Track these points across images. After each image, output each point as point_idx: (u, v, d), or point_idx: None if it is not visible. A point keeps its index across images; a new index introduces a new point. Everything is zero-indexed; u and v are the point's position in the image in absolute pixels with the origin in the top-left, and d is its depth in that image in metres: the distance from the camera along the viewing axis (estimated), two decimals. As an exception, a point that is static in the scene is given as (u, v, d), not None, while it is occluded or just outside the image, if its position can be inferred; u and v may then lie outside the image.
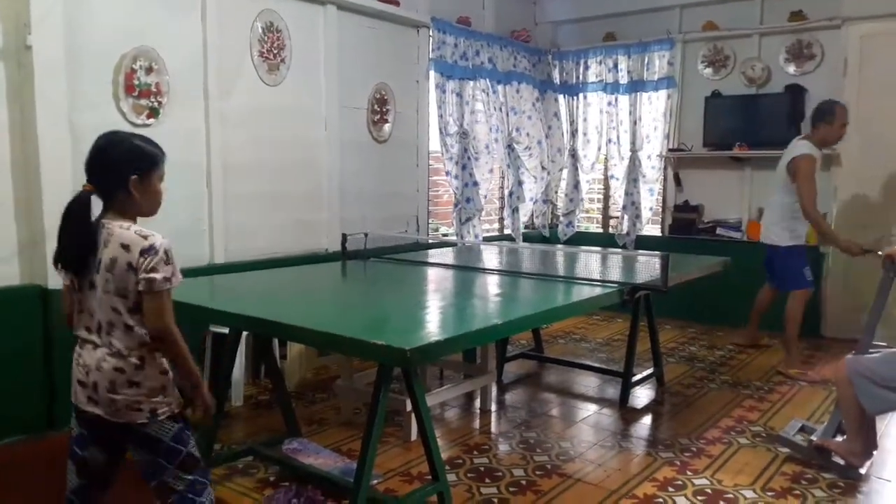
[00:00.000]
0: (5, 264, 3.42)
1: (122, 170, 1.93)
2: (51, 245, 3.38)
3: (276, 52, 4.56)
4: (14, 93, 3.39)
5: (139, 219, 2.03)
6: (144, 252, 1.88)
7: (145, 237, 1.91)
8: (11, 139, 3.40)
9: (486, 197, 6.36)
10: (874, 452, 3.27)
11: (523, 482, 3.11)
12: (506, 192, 6.48)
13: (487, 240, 6.31)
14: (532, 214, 7.11)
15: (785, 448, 3.41)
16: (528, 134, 6.72)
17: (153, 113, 3.90)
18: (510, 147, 6.44)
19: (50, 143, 3.43)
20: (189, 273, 3.89)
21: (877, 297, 3.41)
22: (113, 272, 1.90)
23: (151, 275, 1.88)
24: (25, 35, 3.34)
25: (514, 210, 6.55)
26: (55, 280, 3.46)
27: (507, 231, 6.76)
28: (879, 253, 3.31)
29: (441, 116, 5.76)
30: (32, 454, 3.33)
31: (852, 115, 5.54)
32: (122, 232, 1.92)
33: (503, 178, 6.45)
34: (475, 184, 6.07)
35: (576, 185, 7.09)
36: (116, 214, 1.96)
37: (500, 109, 6.36)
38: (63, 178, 3.48)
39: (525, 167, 6.68)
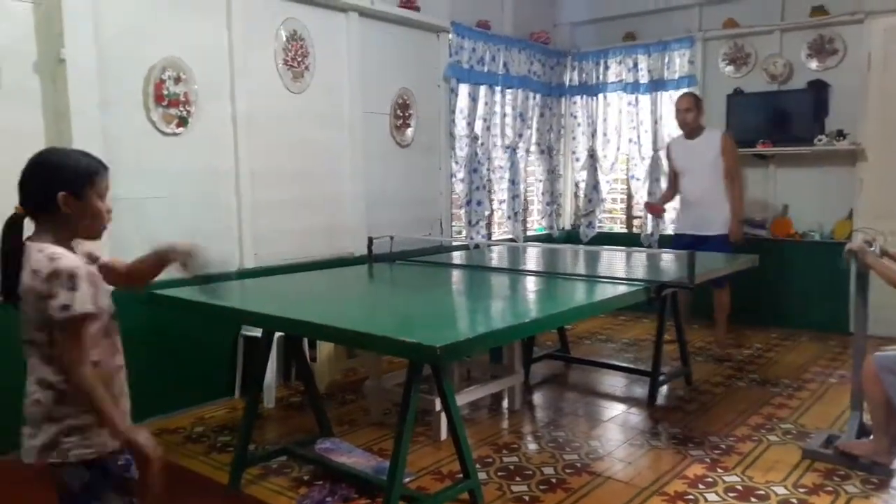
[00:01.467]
0: (43, 272, 3.49)
1: (50, 185, 1.71)
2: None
3: (300, 59, 4.63)
4: (49, 105, 3.48)
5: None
6: (49, 278, 1.63)
7: (52, 259, 1.65)
8: (47, 150, 3.49)
9: (501, 201, 6.40)
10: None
11: (553, 480, 3.13)
12: (509, 195, 6.47)
13: (500, 242, 6.32)
14: (549, 216, 7.12)
15: (812, 459, 3.35)
16: (533, 138, 6.75)
17: (182, 122, 3.99)
18: (512, 151, 6.45)
19: (84, 154, 3.51)
20: (219, 278, 3.99)
21: (856, 291, 3.40)
22: (27, 300, 1.68)
23: (50, 302, 1.62)
24: (59, 49, 3.43)
25: (516, 213, 6.54)
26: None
27: (531, 231, 6.79)
28: (845, 248, 3.27)
29: (452, 120, 5.82)
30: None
31: (876, 108, 5.54)
32: (35, 255, 1.67)
33: (512, 181, 6.45)
34: (484, 187, 6.12)
35: (595, 186, 7.09)
36: (46, 236, 1.73)
37: (509, 113, 6.39)
38: (97, 187, 3.57)
39: (529, 171, 6.70)
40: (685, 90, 6.36)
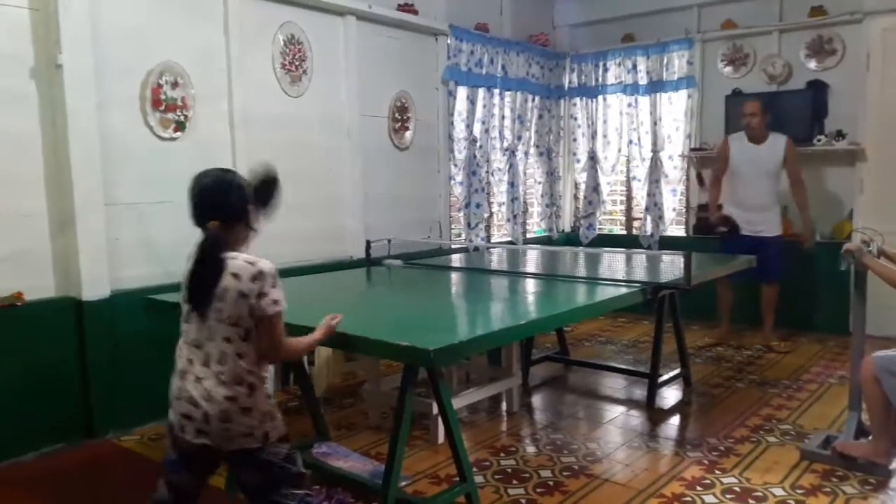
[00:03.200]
0: (41, 277, 3.51)
1: (243, 202, 2.04)
2: (85, 258, 3.52)
3: (297, 63, 4.64)
4: (46, 111, 3.49)
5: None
6: (255, 278, 1.94)
7: (252, 263, 1.97)
8: (45, 156, 3.50)
9: (500, 203, 6.41)
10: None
11: (551, 483, 3.12)
12: (508, 198, 6.47)
13: (499, 244, 6.32)
14: (549, 218, 7.12)
15: (810, 460, 3.34)
16: (532, 141, 6.75)
17: (179, 126, 3.99)
18: (512, 153, 6.46)
19: (81, 159, 3.53)
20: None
21: (854, 292, 3.40)
22: (225, 301, 1.94)
23: (261, 300, 1.94)
24: (56, 54, 3.44)
25: (515, 216, 6.54)
26: (89, 292, 3.58)
27: (530, 233, 6.78)
28: (844, 248, 3.27)
29: (451, 123, 5.83)
30: (70, 462, 3.42)
31: (875, 108, 5.53)
32: (230, 262, 1.96)
33: (511, 183, 6.46)
34: (483, 189, 6.12)
35: (595, 188, 7.09)
36: (230, 246, 2.02)
37: (507, 116, 6.40)
38: (95, 193, 3.59)
39: (527, 173, 6.70)
40: (686, 91, 6.42)
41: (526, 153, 6.72)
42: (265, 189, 2.13)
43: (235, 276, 1.94)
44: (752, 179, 5.35)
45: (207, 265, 1.96)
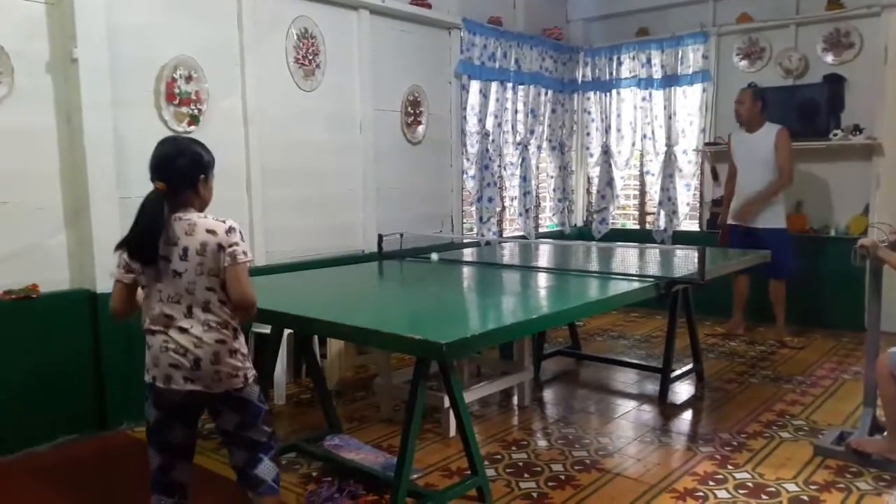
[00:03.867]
0: (56, 270, 3.55)
1: (192, 173, 2.18)
2: (99, 251, 3.55)
3: (311, 57, 4.65)
4: (61, 104, 3.52)
5: None
6: (228, 232, 2.14)
7: (223, 221, 2.17)
8: (60, 149, 3.53)
9: (512, 197, 6.40)
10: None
11: (562, 477, 3.12)
12: (521, 192, 6.46)
13: (511, 238, 6.31)
14: (561, 212, 7.10)
15: (823, 456, 3.31)
16: (545, 135, 6.73)
17: (193, 120, 4.01)
18: (525, 147, 6.44)
19: (96, 153, 3.56)
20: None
21: (869, 288, 3.36)
22: (205, 254, 2.12)
23: (234, 248, 2.13)
24: (71, 48, 3.46)
25: (527, 210, 6.53)
26: (104, 284, 3.60)
27: (543, 228, 6.77)
28: (858, 243, 3.24)
29: (464, 117, 5.82)
30: (84, 453, 3.45)
31: (893, 102, 5.48)
32: (203, 221, 2.15)
33: (523, 178, 6.45)
34: (495, 184, 6.11)
35: (609, 182, 7.07)
36: (182, 208, 2.17)
37: (520, 110, 6.38)
38: (109, 186, 3.61)
39: (540, 167, 6.68)
40: (701, 85, 6.37)
41: (539, 147, 6.71)
42: None
43: (211, 231, 2.13)
44: (746, 168, 5.38)
45: (147, 218, 2.10)
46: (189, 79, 3.97)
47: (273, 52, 4.45)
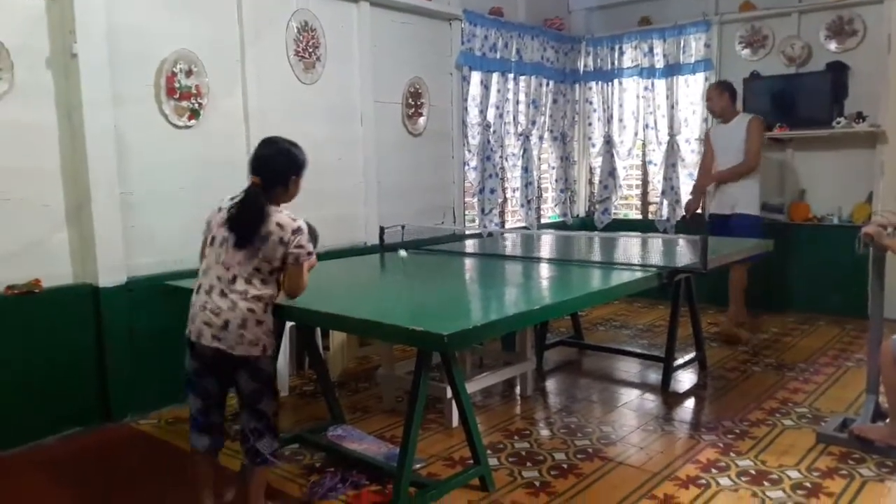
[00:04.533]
0: (58, 265, 3.56)
1: (287, 172, 2.51)
2: (101, 246, 3.57)
3: (311, 50, 4.65)
4: (62, 100, 3.53)
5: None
6: (295, 232, 2.43)
7: (294, 220, 2.46)
8: (61, 144, 3.54)
9: (514, 189, 6.40)
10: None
11: (565, 466, 3.13)
12: (522, 183, 6.46)
13: (514, 230, 6.31)
14: (563, 203, 7.10)
15: (826, 443, 3.31)
16: (547, 125, 6.72)
17: (194, 114, 4.02)
18: (527, 138, 6.43)
19: (97, 148, 3.56)
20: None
21: (872, 275, 3.36)
22: (266, 243, 2.40)
23: (298, 250, 2.43)
24: (71, 43, 3.47)
25: (529, 201, 6.53)
26: (106, 279, 3.63)
27: (545, 219, 6.77)
28: (861, 232, 3.23)
29: (465, 108, 5.81)
30: (89, 445, 3.47)
31: (897, 90, 5.45)
32: (277, 214, 2.45)
33: (525, 168, 6.45)
34: (497, 175, 6.09)
35: (611, 172, 7.05)
36: (270, 202, 2.47)
37: (521, 101, 6.37)
38: (110, 181, 3.62)
39: (542, 158, 6.66)
40: (703, 74, 6.34)
41: (541, 138, 6.70)
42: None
43: (280, 225, 2.42)
44: (722, 157, 5.32)
45: (249, 208, 2.43)
46: (189, 73, 3.97)
47: (273, 45, 4.44)
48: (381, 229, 4.44)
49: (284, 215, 2.46)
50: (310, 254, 2.48)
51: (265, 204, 2.45)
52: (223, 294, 2.42)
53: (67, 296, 3.57)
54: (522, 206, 6.49)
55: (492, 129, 6.05)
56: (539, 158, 6.74)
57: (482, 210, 6.05)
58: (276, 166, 2.51)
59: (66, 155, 3.55)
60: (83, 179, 3.56)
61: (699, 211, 5.64)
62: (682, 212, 6.60)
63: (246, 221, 2.44)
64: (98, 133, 3.56)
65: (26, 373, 3.43)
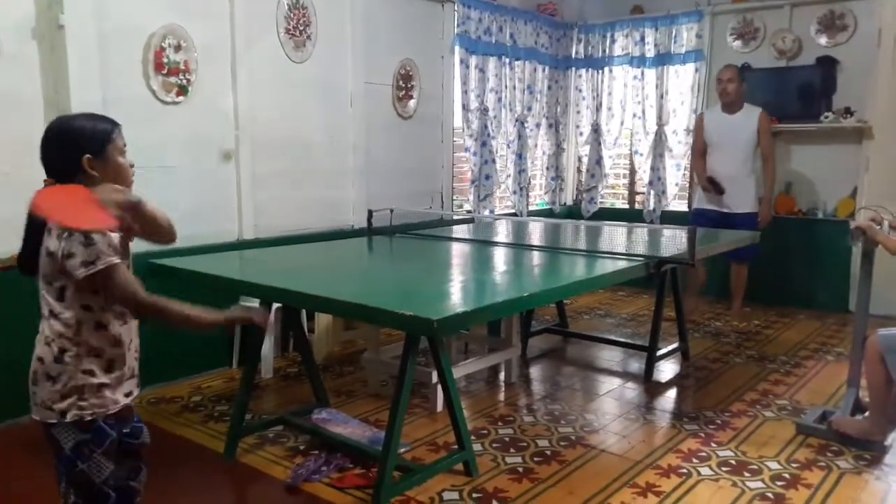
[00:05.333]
0: (42, 239, 3.50)
1: (74, 154, 1.78)
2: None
3: (301, 28, 4.59)
4: (48, 73, 3.45)
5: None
6: (60, 236, 1.71)
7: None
8: (46, 118, 3.47)
9: (507, 175, 6.39)
10: (898, 424, 3.27)
11: (548, 452, 3.15)
12: (516, 169, 6.46)
13: (503, 216, 6.30)
14: (553, 191, 7.11)
15: (805, 434, 3.35)
16: (539, 112, 6.71)
17: (182, 90, 3.96)
18: (521, 124, 6.43)
19: (83, 121, 3.50)
20: (218, 248, 4.01)
21: (861, 270, 3.39)
22: (42, 256, 1.78)
23: (68, 261, 1.70)
24: (57, 15, 3.40)
25: (521, 188, 6.54)
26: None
27: (532, 206, 6.77)
28: (851, 226, 3.26)
29: (465, 92, 5.77)
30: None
31: (885, 85, 5.48)
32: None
33: (519, 155, 6.44)
34: (493, 160, 6.08)
35: (598, 161, 7.06)
36: None
37: (515, 86, 6.34)
38: (96, 156, 3.56)
39: (530, 145, 6.66)
40: (694, 65, 6.34)
41: (538, 125, 6.70)
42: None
43: (48, 230, 1.76)
44: (724, 150, 5.31)
45: (30, 225, 1.82)
46: (178, 48, 3.91)
47: (263, 22, 4.38)
48: (370, 212, 4.42)
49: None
50: (88, 263, 1.67)
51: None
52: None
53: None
54: (514, 192, 6.49)
55: (491, 114, 6.01)
56: (537, 146, 6.74)
57: (478, 196, 6.02)
58: (53, 154, 1.81)
59: (50, 129, 3.48)
60: (68, 154, 3.49)
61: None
62: (667, 202, 6.63)
63: (27, 243, 1.83)
64: (84, 106, 3.45)
65: (7, 349, 3.38)
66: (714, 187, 5.35)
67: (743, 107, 5.32)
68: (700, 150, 5.54)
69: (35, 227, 1.81)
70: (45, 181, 1.82)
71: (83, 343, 1.78)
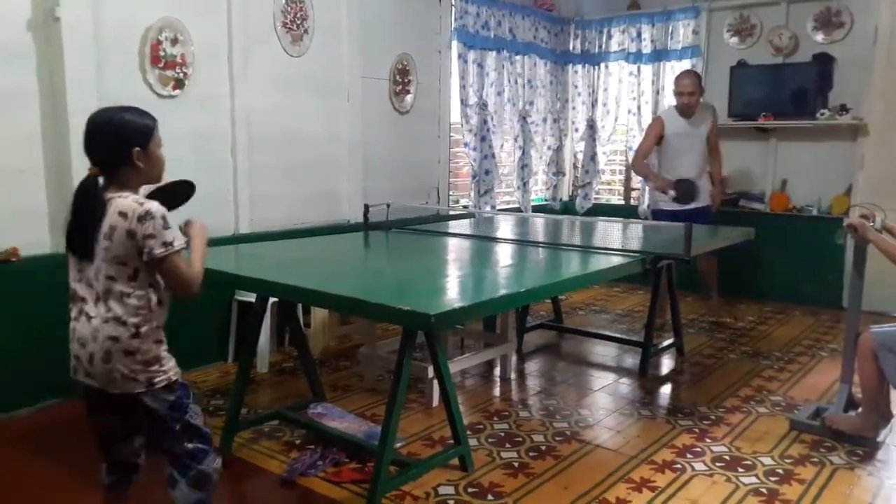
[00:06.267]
0: (36, 232, 3.50)
1: (125, 146, 1.94)
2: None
3: (299, 22, 4.58)
4: (44, 65, 3.44)
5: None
6: (142, 218, 1.87)
7: (141, 203, 1.90)
8: (42, 111, 3.46)
9: (504, 170, 6.39)
10: (891, 420, 3.28)
11: (543, 447, 3.16)
12: (519, 165, 6.47)
13: (501, 211, 6.30)
14: (554, 187, 7.12)
15: (799, 430, 3.37)
16: (541, 107, 6.71)
17: (179, 84, 3.95)
18: (523, 119, 6.43)
19: (79, 115, 3.43)
20: (215, 242, 3.99)
21: (853, 267, 3.41)
22: (112, 240, 1.89)
23: (149, 241, 1.87)
24: (54, 7, 3.38)
25: (525, 183, 6.54)
26: (86, 248, 3.56)
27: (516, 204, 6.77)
28: (844, 223, 3.27)
29: (463, 87, 5.76)
30: (63, 417, 3.44)
31: (881, 83, 5.49)
32: (119, 201, 1.91)
33: (522, 150, 6.46)
34: (493, 156, 6.08)
35: (593, 157, 7.06)
36: (118, 188, 1.95)
37: (517, 81, 6.35)
38: (92, 149, 3.55)
39: (535, 140, 6.67)
40: (690, 61, 6.33)
41: (544, 119, 6.72)
42: (174, 197, 2.14)
43: (122, 214, 1.88)
44: (685, 152, 5.23)
45: (81, 206, 1.92)
46: (175, 41, 3.90)
47: (261, 15, 4.37)
48: (366, 207, 4.41)
49: (129, 200, 1.91)
50: (168, 244, 1.89)
51: (101, 193, 1.92)
52: (88, 319, 1.93)
53: (46, 265, 3.50)
54: (518, 188, 6.49)
55: (492, 109, 6.01)
56: (543, 140, 6.76)
57: (479, 192, 6.01)
58: (107, 143, 1.94)
59: (47, 121, 3.48)
60: (64, 147, 3.48)
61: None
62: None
63: (81, 223, 1.91)
64: (80, 100, 3.47)
65: (2, 343, 3.38)
66: (682, 193, 5.18)
67: (698, 108, 5.22)
68: (647, 153, 5.32)
69: (90, 212, 1.91)
70: (89, 170, 1.94)
71: (154, 318, 1.97)
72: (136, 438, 2.09)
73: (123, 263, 1.90)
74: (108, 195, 1.93)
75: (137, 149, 1.95)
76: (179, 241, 1.93)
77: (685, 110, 5.19)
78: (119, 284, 1.91)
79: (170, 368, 2.01)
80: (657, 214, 5.40)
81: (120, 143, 1.94)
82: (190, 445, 2.04)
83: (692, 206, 5.20)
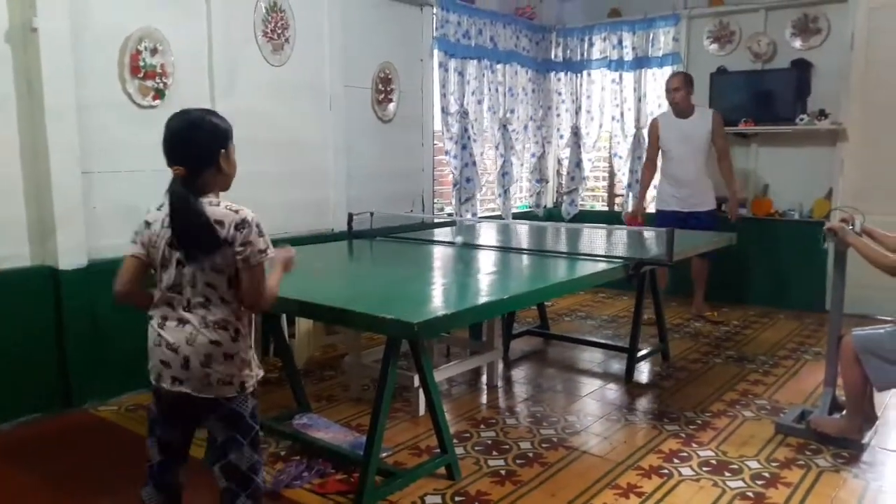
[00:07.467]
0: (16, 245, 3.45)
1: (211, 146, 1.94)
2: (61, 226, 3.47)
3: (280, 31, 4.56)
4: (21, 76, 3.40)
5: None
6: (239, 226, 1.89)
7: (236, 211, 1.92)
8: (20, 122, 3.42)
9: (488, 177, 6.39)
10: (876, 423, 3.30)
11: (530, 454, 3.15)
12: (500, 172, 6.48)
13: (484, 219, 6.31)
14: (537, 194, 7.14)
15: (784, 434, 3.38)
16: (522, 115, 6.73)
17: (159, 94, 3.92)
18: (504, 127, 6.45)
19: (57, 126, 3.45)
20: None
21: (834, 270, 3.43)
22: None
23: (246, 248, 1.89)
24: (31, 17, 3.35)
25: (506, 191, 6.56)
26: (66, 261, 3.53)
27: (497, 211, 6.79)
28: (825, 227, 3.30)
29: (444, 96, 5.77)
30: (47, 432, 3.39)
31: (858, 88, 5.56)
32: (213, 209, 1.91)
33: (503, 158, 6.47)
34: (475, 163, 6.09)
35: (578, 164, 7.09)
36: (199, 192, 1.92)
37: (498, 90, 6.36)
38: (71, 161, 3.52)
39: (517, 148, 6.68)
40: (671, 68, 6.37)
41: (525, 127, 6.73)
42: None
43: (219, 223, 1.89)
44: (681, 155, 5.37)
45: (182, 213, 1.88)
46: (154, 51, 3.87)
47: (241, 25, 4.35)
48: (350, 216, 4.40)
49: (222, 208, 1.92)
50: (263, 251, 1.92)
51: (196, 199, 1.90)
52: (181, 324, 1.93)
53: (25, 278, 3.46)
54: (499, 195, 6.50)
55: (472, 117, 6.01)
56: (524, 147, 6.78)
57: (460, 199, 6.01)
58: (197, 143, 1.93)
59: (24, 132, 3.43)
60: (43, 157, 3.44)
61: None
62: (646, 204, 6.66)
63: (187, 229, 1.89)
64: (59, 110, 3.45)
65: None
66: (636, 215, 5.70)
67: (695, 111, 5.38)
68: (651, 158, 5.62)
69: (196, 216, 1.88)
70: (175, 170, 1.90)
71: (246, 323, 2.01)
72: (184, 461, 2.10)
73: (221, 271, 1.92)
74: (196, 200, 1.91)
75: (223, 150, 1.96)
76: (272, 251, 1.97)
77: (677, 110, 5.33)
78: (219, 290, 1.94)
79: (255, 374, 2.04)
80: (659, 217, 5.51)
81: (211, 142, 1.94)
82: (256, 457, 2.04)
83: (693, 209, 5.27)
